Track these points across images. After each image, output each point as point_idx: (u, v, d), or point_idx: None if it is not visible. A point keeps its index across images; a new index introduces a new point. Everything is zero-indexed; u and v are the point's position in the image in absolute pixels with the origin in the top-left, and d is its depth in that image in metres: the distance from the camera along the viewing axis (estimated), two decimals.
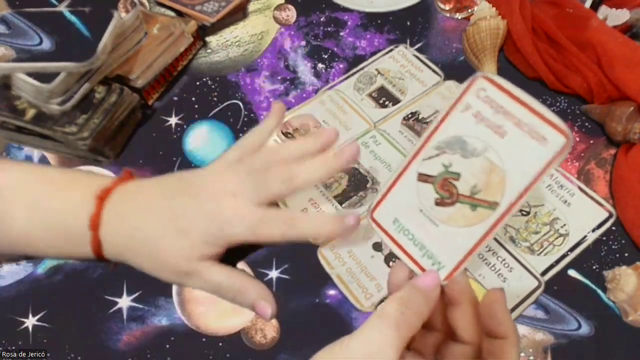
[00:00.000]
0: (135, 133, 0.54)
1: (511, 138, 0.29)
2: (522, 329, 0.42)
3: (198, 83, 0.57)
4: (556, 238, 0.45)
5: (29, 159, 0.53)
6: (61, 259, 0.44)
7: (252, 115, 0.54)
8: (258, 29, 0.61)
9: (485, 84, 0.30)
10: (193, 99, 0.56)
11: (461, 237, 0.30)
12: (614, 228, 0.46)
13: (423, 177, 0.32)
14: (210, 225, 0.37)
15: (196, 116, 0.54)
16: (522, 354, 0.41)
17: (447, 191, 0.31)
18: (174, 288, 0.45)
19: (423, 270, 0.31)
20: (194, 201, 0.38)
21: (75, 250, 0.39)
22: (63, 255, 0.41)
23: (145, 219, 0.38)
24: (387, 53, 0.58)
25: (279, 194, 0.38)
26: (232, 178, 0.38)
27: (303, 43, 0.59)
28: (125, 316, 0.44)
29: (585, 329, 0.42)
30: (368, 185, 0.49)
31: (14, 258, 0.46)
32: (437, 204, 0.31)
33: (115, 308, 0.44)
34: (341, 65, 0.57)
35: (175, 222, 0.37)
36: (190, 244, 0.37)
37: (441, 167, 0.31)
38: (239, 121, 0.54)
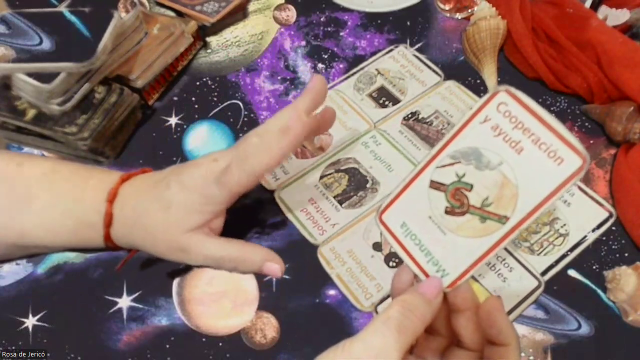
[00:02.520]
0: (135, 133, 0.54)
1: (528, 155, 0.29)
2: (522, 329, 0.42)
3: (198, 83, 0.57)
4: (556, 238, 0.45)
5: None
6: (68, 248, 0.45)
7: (252, 115, 0.54)
8: (258, 29, 0.61)
9: (507, 98, 0.30)
10: (193, 99, 0.56)
11: (468, 248, 0.30)
12: (614, 228, 0.46)
13: (435, 185, 0.32)
14: (188, 194, 0.39)
15: (196, 116, 0.54)
16: (522, 354, 0.41)
17: (458, 201, 0.31)
18: (174, 288, 0.45)
19: (427, 275, 0.31)
20: (177, 177, 0.40)
21: (86, 234, 0.42)
22: (72, 241, 0.43)
23: (139, 203, 0.41)
24: (387, 53, 0.58)
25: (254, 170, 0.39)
26: (221, 150, 0.41)
27: (303, 43, 0.59)
28: (125, 316, 0.44)
29: (585, 329, 0.42)
30: (368, 185, 0.49)
31: (13, 255, 0.46)
32: (447, 212, 0.31)
33: (115, 308, 0.44)
34: (341, 65, 0.57)
35: (159, 200, 0.40)
36: (175, 217, 0.39)
37: (454, 177, 0.31)
38: (239, 121, 0.54)
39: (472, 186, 0.31)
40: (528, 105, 0.29)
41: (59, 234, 0.42)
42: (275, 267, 0.41)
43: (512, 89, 0.30)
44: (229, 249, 0.41)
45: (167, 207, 0.39)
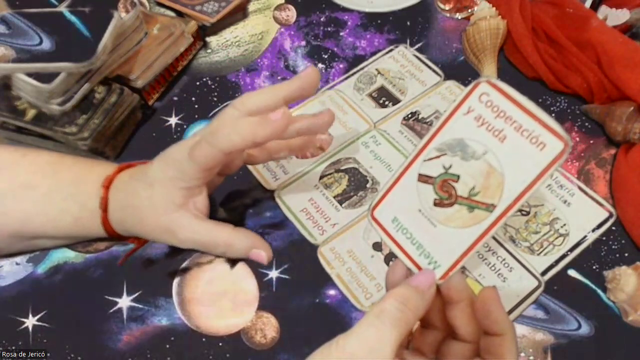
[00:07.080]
0: (135, 133, 0.54)
1: (511, 142, 0.29)
2: (522, 329, 0.42)
3: (198, 83, 0.57)
4: (556, 238, 0.45)
5: None
6: (71, 238, 0.45)
7: None
8: (258, 29, 0.61)
9: (488, 88, 0.30)
10: (193, 99, 0.56)
11: (458, 238, 0.31)
12: (614, 228, 0.46)
13: (423, 178, 0.32)
14: (167, 169, 0.40)
15: (196, 116, 0.54)
16: (522, 354, 0.41)
17: (446, 192, 0.31)
18: (174, 288, 0.45)
19: (420, 268, 0.32)
20: (161, 155, 0.41)
21: (87, 221, 0.42)
22: (74, 230, 0.43)
23: (130, 186, 0.42)
24: (387, 53, 0.58)
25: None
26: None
27: (303, 43, 0.59)
28: (125, 316, 0.44)
29: (585, 329, 0.42)
30: (368, 185, 0.49)
31: (14, 247, 0.46)
32: (436, 204, 0.32)
33: (115, 308, 0.44)
34: (341, 65, 0.57)
35: (144, 180, 0.41)
36: (159, 194, 0.40)
37: (441, 169, 0.31)
38: None
39: (458, 177, 0.31)
40: (509, 94, 0.30)
41: (60, 221, 0.42)
42: (261, 255, 0.42)
43: (493, 79, 0.30)
44: (218, 233, 0.41)
45: (151, 185, 0.40)
